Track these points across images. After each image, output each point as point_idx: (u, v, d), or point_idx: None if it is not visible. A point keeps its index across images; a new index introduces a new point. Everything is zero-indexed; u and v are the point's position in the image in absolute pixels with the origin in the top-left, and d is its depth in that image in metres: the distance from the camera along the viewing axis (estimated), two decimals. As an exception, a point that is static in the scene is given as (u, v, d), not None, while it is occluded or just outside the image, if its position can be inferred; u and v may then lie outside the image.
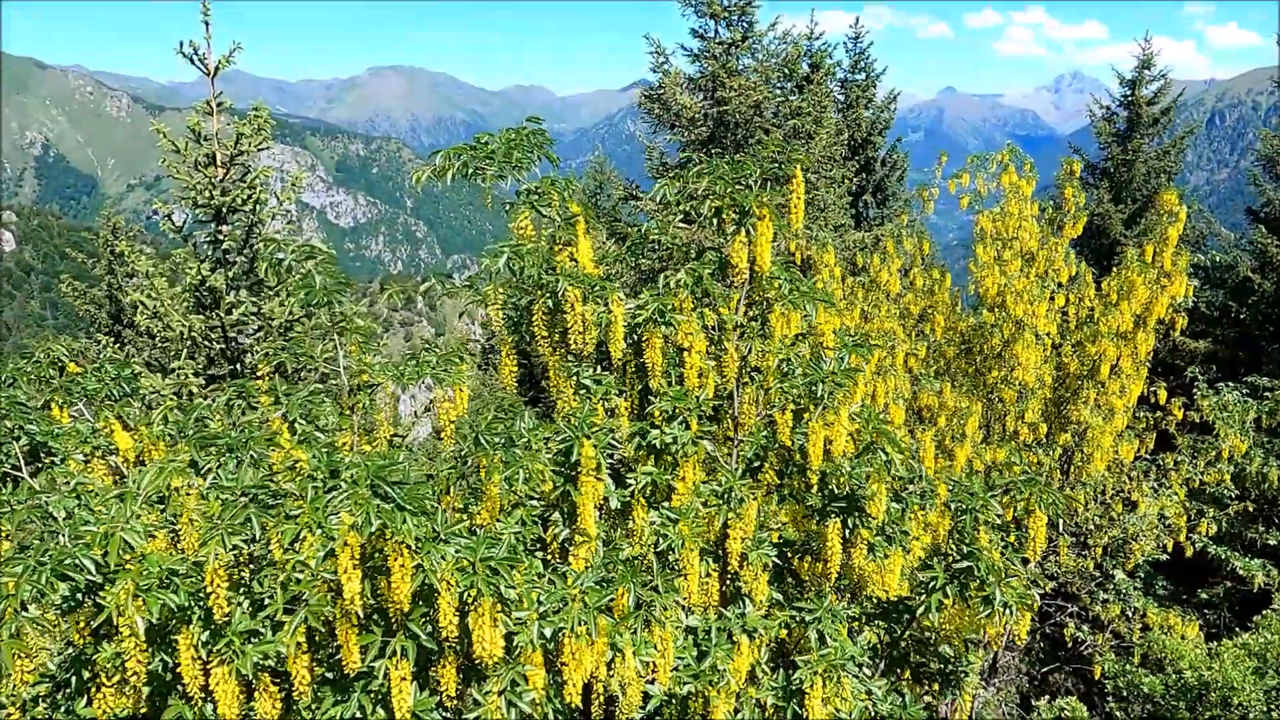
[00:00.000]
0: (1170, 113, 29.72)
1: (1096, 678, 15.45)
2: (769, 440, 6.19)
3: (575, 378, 6.17)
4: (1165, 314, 14.79)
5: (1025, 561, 5.98)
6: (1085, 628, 17.05)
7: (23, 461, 5.40)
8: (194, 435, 4.76)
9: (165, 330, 10.27)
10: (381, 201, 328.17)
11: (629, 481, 5.98)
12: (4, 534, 5.01)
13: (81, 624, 4.58)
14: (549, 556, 5.79)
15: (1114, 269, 15.15)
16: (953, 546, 6.07)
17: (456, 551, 4.49)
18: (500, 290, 6.09)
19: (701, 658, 5.83)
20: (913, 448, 14.17)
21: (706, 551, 6.04)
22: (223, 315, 10.09)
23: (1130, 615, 16.82)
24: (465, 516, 5.25)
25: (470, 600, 4.45)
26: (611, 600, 4.59)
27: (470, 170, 5.97)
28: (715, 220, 6.03)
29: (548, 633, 4.65)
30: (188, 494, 4.51)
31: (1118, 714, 14.52)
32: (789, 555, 6.24)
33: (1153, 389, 17.45)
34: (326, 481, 4.66)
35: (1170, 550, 16.76)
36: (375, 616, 4.64)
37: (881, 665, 6.38)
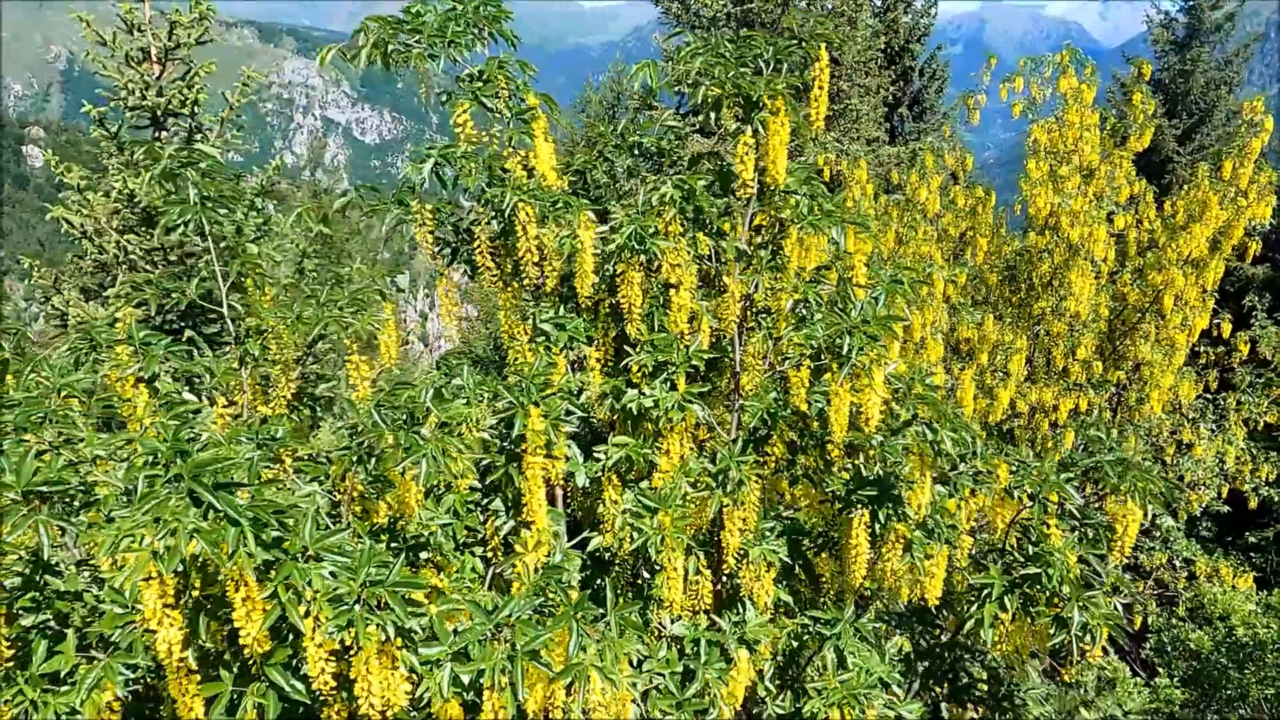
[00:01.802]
0: (1234, 19, 27.30)
1: (1136, 629, 14.26)
2: (778, 404, 4.82)
3: (530, 321, 4.81)
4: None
5: (1102, 558, 4.62)
6: (1126, 575, 15.78)
7: None
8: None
9: (98, 253, 9.00)
10: (406, 117, 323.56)
11: (597, 455, 4.66)
12: None
13: None
14: (489, 553, 4.52)
15: (1171, 188, 13.46)
16: (1013, 543, 4.72)
17: (331, 573, 3.22)
18: (429, 209, 4.69)
19: (688, 679, 4.59)
20: (947, 384, 12.77)
21: (697, 544, 4.75)
22: (162, 236, 8.78)
23: (1176, 563, 15.54)
24: (372, 515, 3.97)
25: (353, 640, 3.19)
26: (547, 642, 3.32)
27: (389, 50, 4.52)
28: (713, 114, 4.55)
29: (465, 679, 3.39)
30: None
31: (1160, 670, 13.33)
32: (801, 547, 4.93)
33: (1215, 321, 15.80)
34: (167, 470, 3.39)
35: (1225, 497, 15.36)
36: (228, 656, 3.41)
37: (915, 683, 5.11)
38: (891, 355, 4.32)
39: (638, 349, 4.72)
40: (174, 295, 4.73)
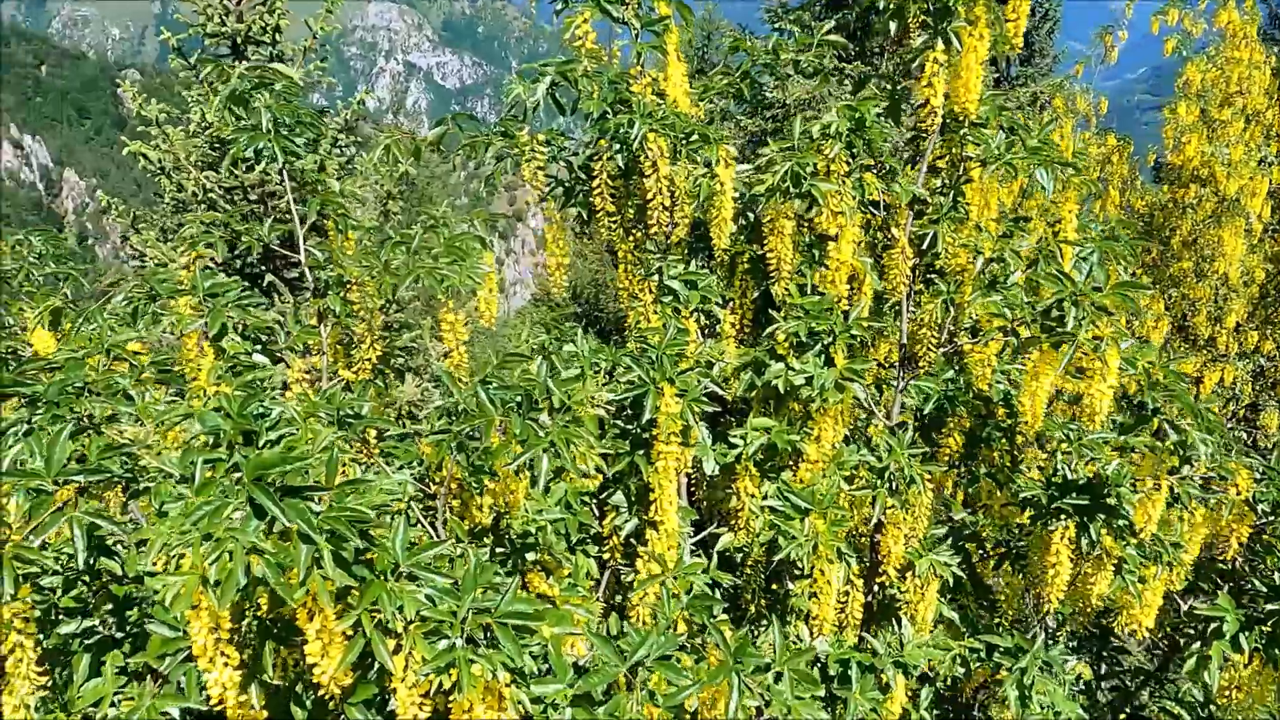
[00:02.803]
0: None
1: None
2: (956, 386, 3.97)
3: (657, 277, 4.03)
4: None
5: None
6: None
7: None
8: (17, 371, 2.87)
9: (177, 191, 8.50)
10: (487, 62, 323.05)
11: (734, 440, 3.89)
12: None
13: None
14: (607, 553, 3.81)
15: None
16: (1246, 566, 3.82)
17: (428, 597, 2.53)
18: (540, 140, 3.91)
19: (832, 705, 3.85)
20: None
21: (849, 547, 3.96)
22: (240, 173, 8.25)
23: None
24: (471, 515, 3.28)
25: (453, 680, 2.51)
26: (689, 696, 2.60)
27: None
28: (896, 22, 3.65)
29: (588, 729, 2.69)
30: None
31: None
32: (973, 555, 4.10)
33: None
34: (231, 453, 2.75)
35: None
36: (300, 689, 2.77)
37: (1102, 721, 4.28)
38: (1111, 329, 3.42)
39: (784, 313, 3.90)
40: (246, 239, 4.09)
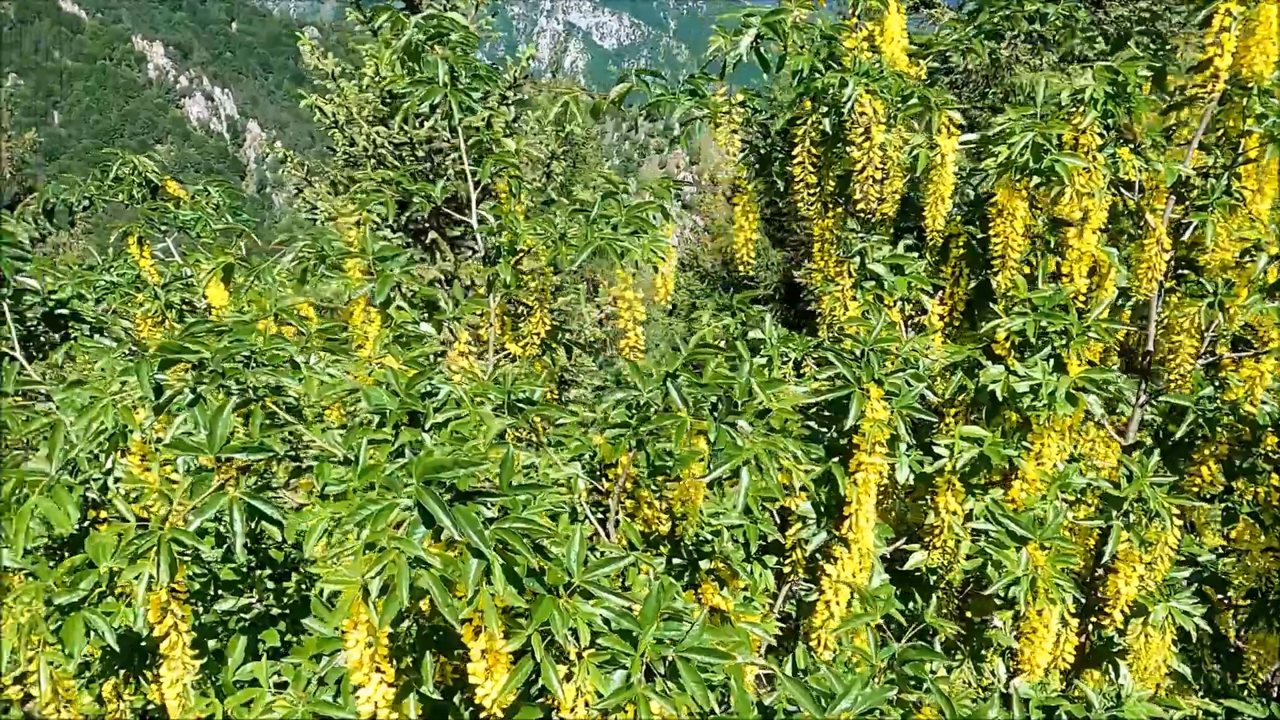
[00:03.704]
0: None
1: None
2: (1214, 404, 3.35)
3: (858, 260, 3.57)
4: None
5: None
6: None
7: (21, 334, 3.65)
8: (185, 333, 2.72)
9: (349, 145, 8.56)
10: (645, 23, 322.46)
11: (939, 449, 3.41)
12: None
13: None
14: (787, 567, 3.42)
15: None
16: None
17: (605, 619, 2.22)
18: (737, 101, 3.49)
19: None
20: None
21: (1069, 582, 3.44)
22: (411, 129, 8.23)
23: None
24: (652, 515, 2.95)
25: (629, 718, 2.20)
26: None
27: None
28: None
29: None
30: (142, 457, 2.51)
31: None
32: (1214, 602, 3.50)
33: None
34: (396, 434, 2.53)
35: None
36: (458, 701, 2.52)
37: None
38: None
39: (1004, 307, 3.38)
40: (416, 199, 3.89)
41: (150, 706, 3.64)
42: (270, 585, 3.13)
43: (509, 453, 2.16)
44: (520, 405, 2.89)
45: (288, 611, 3.17)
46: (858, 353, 3.03)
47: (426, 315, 3.59)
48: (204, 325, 2.90)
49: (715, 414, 2.44)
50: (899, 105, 3.41)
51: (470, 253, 8.92)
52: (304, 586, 3.17)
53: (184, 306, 4.38)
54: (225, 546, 3.02)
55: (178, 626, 2.38)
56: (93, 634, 2.54)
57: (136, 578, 2.23)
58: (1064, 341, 3.25)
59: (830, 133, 3.40)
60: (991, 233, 3.36)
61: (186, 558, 2.32)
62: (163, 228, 4.77)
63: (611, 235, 3.41)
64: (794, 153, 3.47)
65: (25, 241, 3.76)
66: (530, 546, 2.05)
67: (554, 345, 3.95)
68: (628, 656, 2.21)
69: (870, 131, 3.26)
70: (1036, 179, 3.24)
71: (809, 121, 3.40)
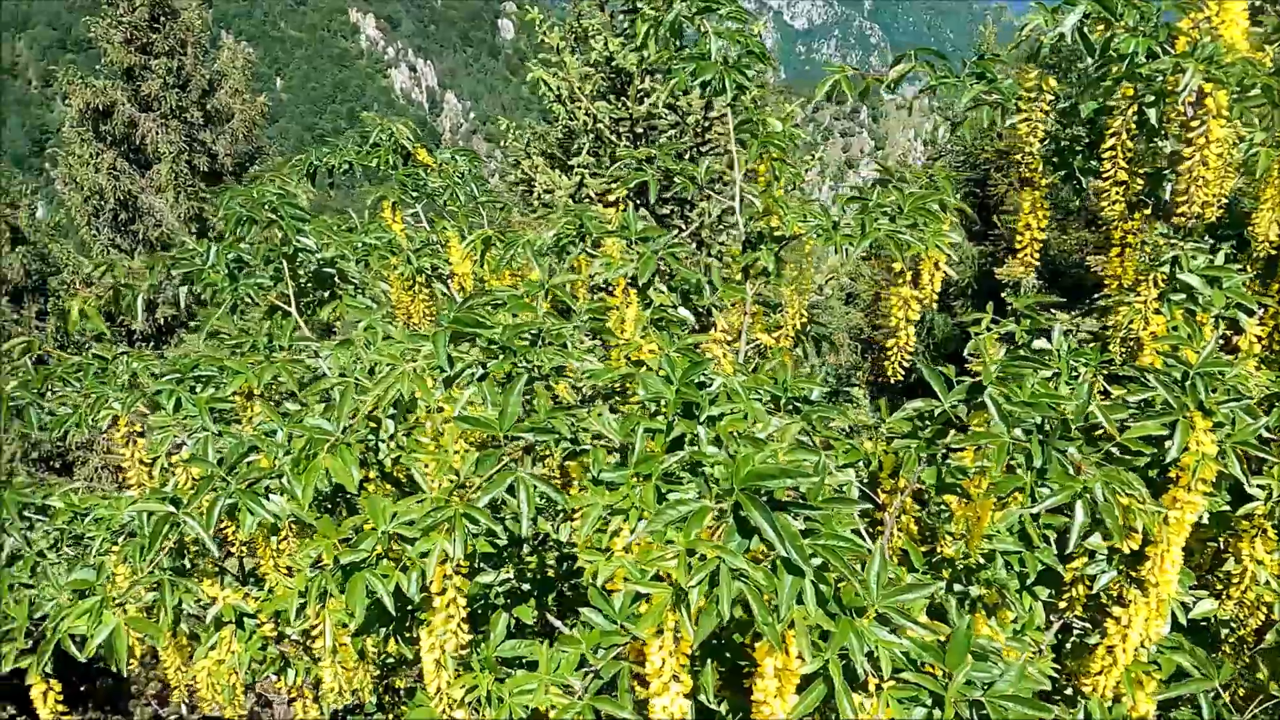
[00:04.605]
0: None
1: None
2: None
3: (1168, 269, 3.18)
4: None
5: None
6: None
7: (295, 290, 3.81)
8: (465, 306, 2.69)
9: (568, 119, 8.63)
10: (837, 2, 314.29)
11: (1251, 490, 3.00)
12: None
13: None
14: (1063, 602, 3.11)
15: None
16: None
17: (905, 653, 2.03)
18: (1050, 80, 3.16)
19: None
20: None
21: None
22: (631, 105, 8.19)
23: None
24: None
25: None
26: None
27: None
28: None
29: None
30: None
31: None
32: None
33: None
34: (669, 431, 2.44)
35: None
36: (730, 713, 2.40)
37: None
38: None
39: (1348, 335, 2.92)
40: (678, 179, 3.78)
41: (389, 660, 3.76)
42: (519, 561, 3.13)
43: (822, 462, 2.01)
44: (797, 405, 2.73)
45: (535, 591, 3.17)
46: (1178, 375, 2.69)
47: (682, 300, 3.49)
48: (484, 299, 2.90)
49: (1044, 439, 2.19)
50: (1236, 96, 2.99)
51: (676, 232, 8.86)
52: (560, 566, 3.16)
53: (433, 273, 4.48)
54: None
55: (456, 600, 2.38)
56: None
57: (427, 550, 2.23)
58: None
59: (1154, 124, 3.03)
60: (1343, 248, 2.91)
61: (474, 533, 2.31)
62: (414, 195, 4.90)
63: (890, 227, 3.19)
64: (1105, 146, 3.11)
65: (304, 202, 3.92)
66: (847, 566, 1.89)
67: (804, 340, 3.77)
68: (930, 694, 2.03)
69: (1208, 126, 2.87)
70: None
71: (1126, 111, 3.04)
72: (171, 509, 2.65)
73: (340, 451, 2.69)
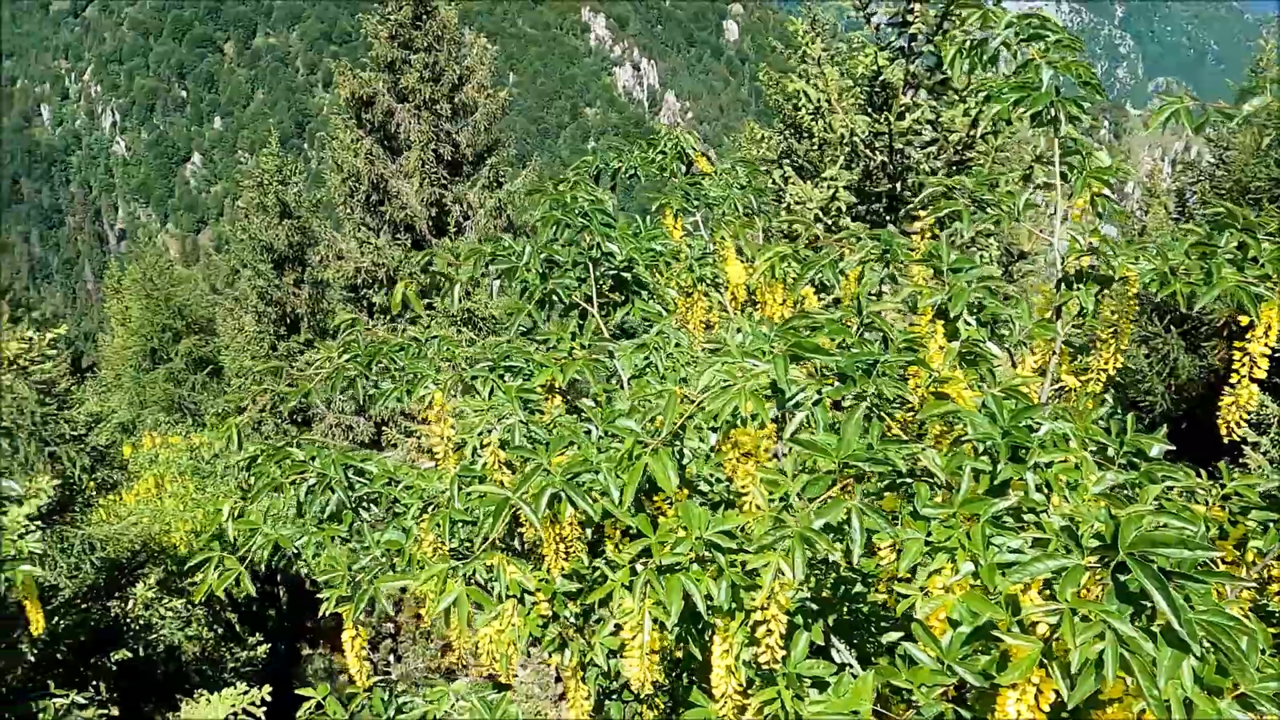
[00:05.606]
0: None
1: None
2: None
3: None
4: None
5: None
6: None
7: (595, 291, 4.02)
8: (786, 327, 2.73)
9: (825, 130, 8.57)
10: (1086, 9, 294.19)
11: None
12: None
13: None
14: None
15: None
16: None
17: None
18: None
19: None
20: None
21: None
22: (891, 120, 8.02)
23: None
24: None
25: None
26: None
27: None
28: None
29: None
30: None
31: None
32: None
33: None
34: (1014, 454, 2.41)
35: None
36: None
37: None
38: None
39: None
40: (989, 210, 3.68)
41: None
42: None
43: (1204, 531, 1.92)
44: (1135, 460, 2.61)
45: (817, 611, 3.20)
46: None
47: (992, 334, 3.41)
48: (802, 320, 2.95)
49: None
50: None
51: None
52: (836, 589, 3.19)
53: (714, 281, 4.61)
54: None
55: (778, 616, 2.45)
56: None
57: (763, 566, 2.31)
58: None
59: None
60: None
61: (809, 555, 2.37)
62: (695, 203, 5.05)
63: (1238, 278, 2.98)
64: None
65: (610, 208, 4.13)
66: (1237, 649, 1.79)
67: (1111, 385, 3.58)
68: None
69: None
70: None
71: None
72: (508, 494, 2.87)
73: (661, 456, 2.83)
